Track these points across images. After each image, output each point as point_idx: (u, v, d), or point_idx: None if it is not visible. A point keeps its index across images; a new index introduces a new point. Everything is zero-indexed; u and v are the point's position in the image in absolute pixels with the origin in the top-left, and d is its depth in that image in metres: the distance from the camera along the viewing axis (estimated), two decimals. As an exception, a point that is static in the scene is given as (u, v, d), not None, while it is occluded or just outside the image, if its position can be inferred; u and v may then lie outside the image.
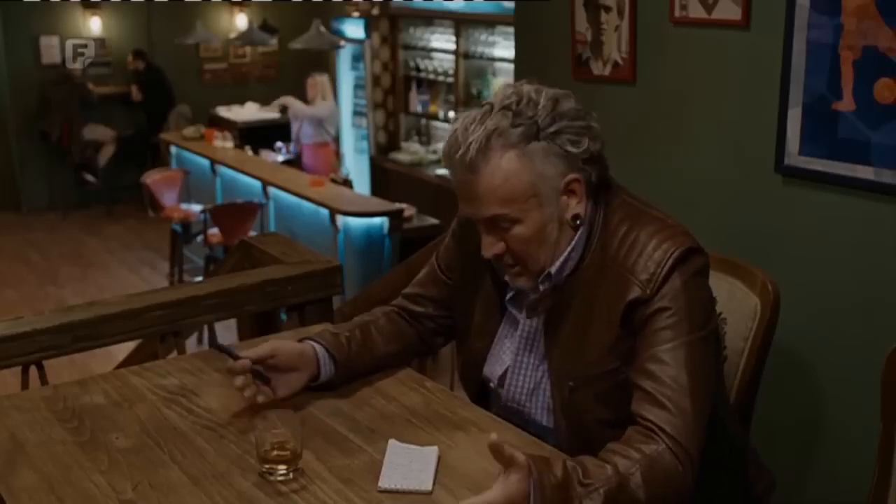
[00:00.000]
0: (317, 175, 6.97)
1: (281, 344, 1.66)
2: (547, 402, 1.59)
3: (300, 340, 1.70)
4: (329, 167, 7.82)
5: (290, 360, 1.64)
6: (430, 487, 1.39)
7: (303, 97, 8.21)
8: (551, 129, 1.46)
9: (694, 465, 1.39)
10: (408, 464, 1.45)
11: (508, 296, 1.64)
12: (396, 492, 1.38)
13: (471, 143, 1.44)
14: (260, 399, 1.61)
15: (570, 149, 1.47)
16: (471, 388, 1.74)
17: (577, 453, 1.40)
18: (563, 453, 1.45)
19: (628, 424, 1.43)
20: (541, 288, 1.56)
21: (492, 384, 1.67)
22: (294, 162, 7.88)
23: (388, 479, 1.41)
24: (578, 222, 1.52)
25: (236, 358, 1.59)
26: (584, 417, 1.54)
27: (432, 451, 1.47)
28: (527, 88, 1.50)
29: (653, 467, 1.35)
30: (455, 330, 1.78)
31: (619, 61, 2.59)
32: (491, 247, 1.52)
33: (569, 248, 1.53)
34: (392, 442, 1.51)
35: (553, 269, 1.53)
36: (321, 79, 7.97)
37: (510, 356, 1.64)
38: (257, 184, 6.64)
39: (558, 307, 1.56)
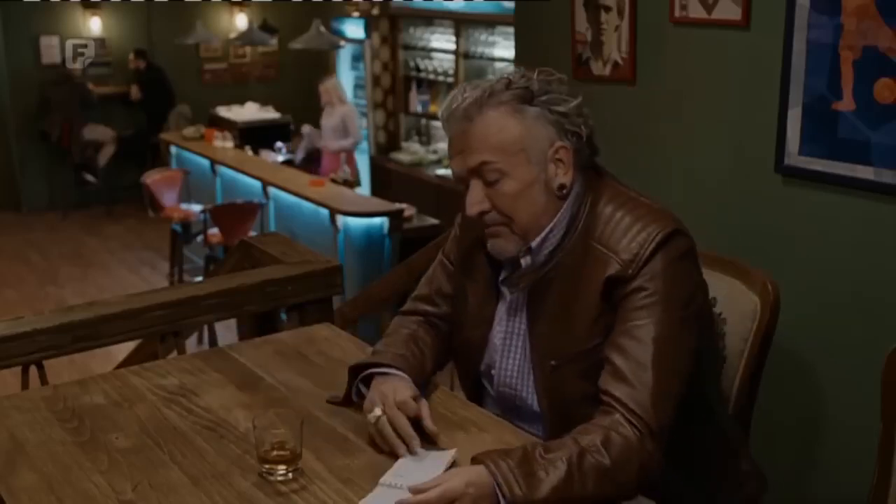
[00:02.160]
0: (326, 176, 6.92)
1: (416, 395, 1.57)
2: (532, 383, 1.60)
3: (378, 370, 1.60)
4: (356, 171, 7.69)
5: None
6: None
7: (302, 98, 8.18)
8: (543, 98, 1.54)
9: (655, 436, 1.40)
10: (418, 465, 1.44)
11: (502, 276, 1.64)
12: (393, 487, 1.38)
13: (467, 97, 1.54)
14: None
15: (560, 109, 1.54)
16: (466, 381, 1.74)
17: (561, 431, 1.43)
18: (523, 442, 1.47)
19: None
20: (522, 263, 1.57)
21: (493, 371, 1.66)
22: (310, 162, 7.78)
23: (392, 476, 1.40)
24: (564, 191, 1.55)
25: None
26: (566, 395, 1.55)
27: (447, 455, 1.46)
28: (524, 69, 1.59)
29: (609, 437, 1.38)
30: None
31: (619, 61, 2.59)
32: (477, 204, 1.54)
33: (551, 224, 1.55)
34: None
35: (534, 244, 1.55)
36: (330, 84, 7.68)
37: (500, 343, 1.65)
38: (257, 184, 6.64)
39: (540, 286, 1.57)
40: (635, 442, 1.39)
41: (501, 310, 1.65)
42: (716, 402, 1.68)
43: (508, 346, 1.64)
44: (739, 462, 1.71)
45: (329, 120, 7.54)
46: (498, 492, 1.30)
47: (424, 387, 1.68)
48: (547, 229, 1.55)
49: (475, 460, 1.35)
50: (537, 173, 1.53)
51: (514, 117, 1.52)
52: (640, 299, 1.47)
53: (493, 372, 1.66)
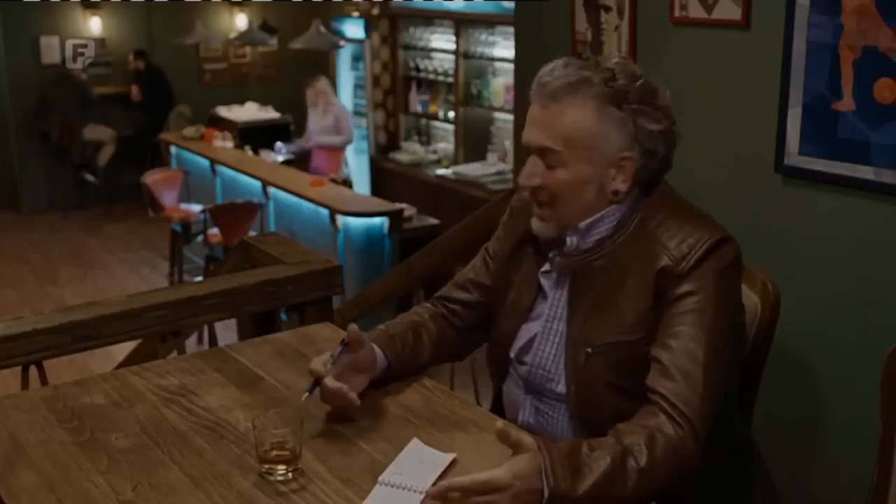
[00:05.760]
0: (323, 175, 6.95)
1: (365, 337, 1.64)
2: (562, 369, 1.61)
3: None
4: (338, 168, 7.72)
5: (367, 359, 1.63)
6: (425, 489, 1.37)
7: (302, 98, 8.15)
8: (634, 106, 1.54)
9: (697, 436, 1.40)
10: (417, 463, 1.44)
11: (543, 269, 1.66)
12: (392, 486, 1.38)
13: (562, 74, 1.54)
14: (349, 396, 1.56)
15: (645, 124, 1.54)
16: (495, 367, 1.76)
17: (587, 420, 1.46)
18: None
19: (641, 398, 1.46)
20: (568, 241, 1.59)
21: (526, 358, 1.67)
22: (300, 162, 7.80)
23: (390, 474, 1.41)
24: (618, 197, 1.57)
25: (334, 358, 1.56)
26: (597, 384, 1.55)
27: (447, 458, 1.46)
28: (635, 67, 1.60)
29: (653, 437, 1.38)
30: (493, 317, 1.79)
31: (619, 61, 2.59)
32: (532, 177, 1.58)
33: (601, 212, 1.57)
34: (415, 440, 1.51)
35: (582, 224, 1.57)
36: (319, 85, 7.71)
37: (540, 327, 1.65)
38: (257, 184, 6.64)
39: (586, 275, 1.59)
40: (677, 441, 1.39)
41: (542, 299, 1.67)
42: (736, 415, 1.69)
43: (548, 331, 1.65)
44: (757, 475, 1.71)
45: (323, 120, 7.59)
46: (543, 479, 1.29)
47: (418, 376, 1.74)
48: (595, 216, 1.58)
49: (522, 448, 1.31)
50: (594, 173, 1.55)
51: (594, 115, 1.53)
52: (691, 304, 1.48)
53: (526, 358, 1.67)
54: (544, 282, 1.67)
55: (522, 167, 1.62)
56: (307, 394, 1.54)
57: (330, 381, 1.54)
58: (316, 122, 7.69)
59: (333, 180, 6.75)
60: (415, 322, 1.78)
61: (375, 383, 1.68)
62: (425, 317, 1.80)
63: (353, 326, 1.60)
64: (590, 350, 1.56)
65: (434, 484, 1.35)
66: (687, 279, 1.48)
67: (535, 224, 1.62)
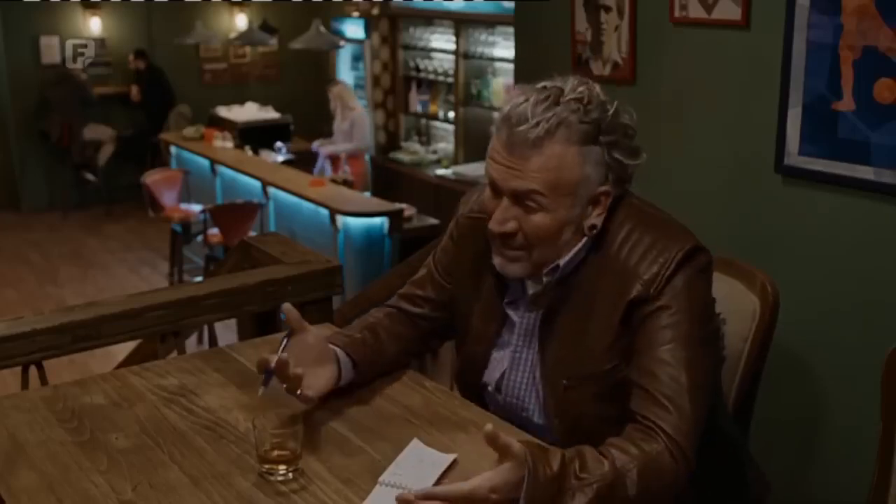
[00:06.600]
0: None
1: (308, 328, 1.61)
2: (541, 401, 1.59)
3: None
4: (363, 176, 7.68)
5: (316, 345, 1.58)
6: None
7: (302, 99, 8.16)
8: (609, 138, 1.49)
9: (689, 464, 1.39)
10: (417, 464, 1.44)
11: (507, 300, 1.64)
12: (392, 486, 1.38)
13: (540, 121, 1.44)
14: (308, 394, 1.54)
15: (621, 158, 1.50)
16: (467, 392, 1.74)
17: (570, 447, 1.40)
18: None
19: (627, 422, 1.44)
20: (544, 280, 1.55)
21: (489, 388, 1.67)
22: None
23: (390, 475, 1.41)
24: (594, 231, 1.53)
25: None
26: (580, 415, 1.54)
27: (447, 458, 1.46)
28: (596, 89, 1.51)
29: (649, 466, 1.36)
30: (452, 331, 1.77)
31: (619, 61, 2.59)
32: (504, 222, 1.50)
33: (578, 246, 1.53)
34: (415, 441, 1.51)
35: (562, 262, 1.53)
36: (335, 90, 7.72)
37: (508, 357, 1.64)
38: (257, 184, 6.64)
39: (556, 304, 1.56)
40: (672, 474, 1.37)
41: (510, 327, 1.64)
42: (721, 411, 1.69)
43: (518, 360, 1.63)
44: (744, 468, 1.71)
45: (341, 125, 7.58)
46: (522, 500, 1.27)
47: (418, 376, 1.74)
48: (573, 252, 1.53)
49: (510, 455, 1.28)
50: (575, 215, 1.50)
51: (578, 160, 1.46)
52: (666, 318, 1.45)
53: (500, 386, 1.65)
54: (510, 311, 1.64)
55: (484, 201, 1.54)
56: (262, 388, 1.51)
57: (280, 365, 1.48)
58: (336, 126, 7.70)
59: (334, 180, 6.75)
60: (369, 322, 1.75)
61: (356, 385, 1.67)
62: (378, 315, 1.78)
63: (288, 305, 1.54)
64: (566, 382, 1.54)
65: (434, 485, 1.34)
66: (659, 297, 1.46)
67: (502, 264, 1.55)
